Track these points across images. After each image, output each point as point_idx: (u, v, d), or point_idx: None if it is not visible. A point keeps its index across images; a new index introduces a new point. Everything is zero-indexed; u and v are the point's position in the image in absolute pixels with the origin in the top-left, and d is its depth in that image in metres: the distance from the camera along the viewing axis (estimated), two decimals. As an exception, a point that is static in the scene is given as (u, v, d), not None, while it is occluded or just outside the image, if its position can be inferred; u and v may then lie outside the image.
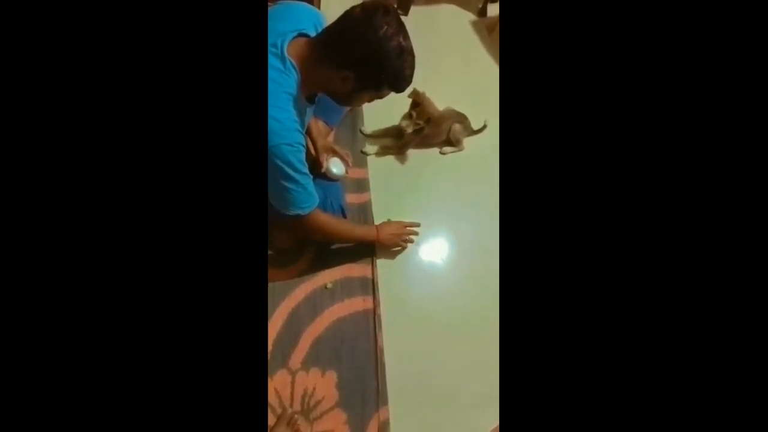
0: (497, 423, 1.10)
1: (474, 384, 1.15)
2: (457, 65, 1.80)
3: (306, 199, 0.96)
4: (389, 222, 1.26)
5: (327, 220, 1.07)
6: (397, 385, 1.12)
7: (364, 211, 1.36)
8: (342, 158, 1.30)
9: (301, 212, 0.97)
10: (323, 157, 1.27)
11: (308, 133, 1.27)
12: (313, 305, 1.19)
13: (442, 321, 1.24)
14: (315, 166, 1.29)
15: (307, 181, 0.95)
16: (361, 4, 0.85)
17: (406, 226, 1.27)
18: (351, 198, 1.35)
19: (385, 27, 0.82)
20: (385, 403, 1.09)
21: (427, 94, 1.44)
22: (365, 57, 0.84)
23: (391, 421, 1.08)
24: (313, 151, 1.30)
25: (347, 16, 0.85)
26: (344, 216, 1.23)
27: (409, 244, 1.31)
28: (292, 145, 0.87)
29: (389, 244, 1.27)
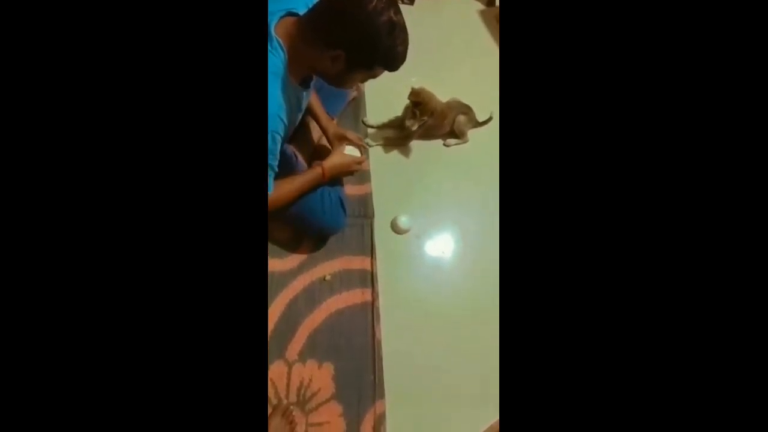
0: (494, 418, 1.10)
1: (471, 379, 1.15)
2: (464, 55, 1.77)
3: None
4: (334, 154, 1.15)
5: (271, 198, 0.98)
6: (394, 379, 1.12)
7: (364, 203, 1.34)
8: (356, 145, 1.23)
9: None
10: (336, 145, 1.23)
11: (317, 120, 1.24)
12: (312, 297, 1.18)
13: (441, 315, 1.23)
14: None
15: (269, 173, 0.92)
16: None
17: (355, 159, 1.15)
18: (351, 190, 1.34)
19: (375, 1, 0.77)
20: (382, 396, 1.09)
21: (433, 85, 1.42)
22: (354, 34, 0.79)
23: (387, 414, 1.08)
24: (316, 139, 1.28)
25: None
26: (343, 208, 1.21)
27: (409, 236, 1.27)
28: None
29: (338, 175, 1.18)
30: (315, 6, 0.85)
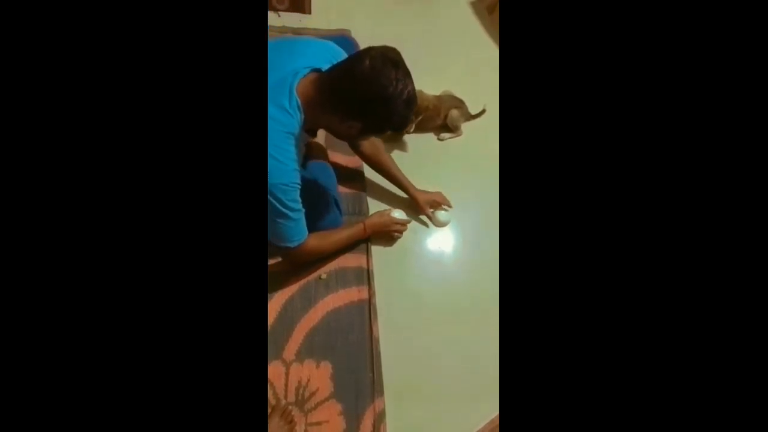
0: (493, 414, 1.10)
1: (470, 374, 1.15)
2: (456, 47, 1.75)
3: (295, 234, 0.99)
4: (375, 214, 1.23)
5: (315, 243, 1.06)
6: (393, 376, 1.11)
7: (359, 201, 1.33)
8: (443, 203, 1.33)
9: (290, 245, 1.01)
10: (428, 211, 1.32)
11: (405, 189, 1.30)
12: (308, 296, 1.17)
13: (439, 311, 1.23)
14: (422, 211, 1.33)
15: (299, 216, 0.96)
16: (369, 56, 0.82)
17: (394, 220, 1.24)
18: (345, 188, 1.33)
19: (395, 83, 0.81)
20: (381, 393, 1.09)
21: (425, 78, 1.39)
22: (374, 112, 0.85)
23: (386, 411, 1.08)
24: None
25: (356, 68, 0.82)
26: (338, 207, 1.20)
27: (400, 235, 1.28)
28: (287, 185, 0.89)
29: (379, 236, 1.26)
30: (335, 74, 0.86)
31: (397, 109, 0.84)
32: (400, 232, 1.27)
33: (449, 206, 1.35)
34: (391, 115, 0.85)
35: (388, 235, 1.26)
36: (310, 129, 0.96)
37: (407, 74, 0.84)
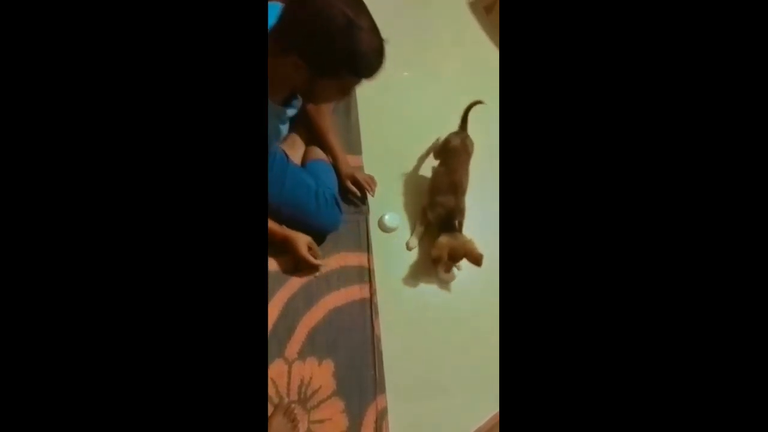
0: (494, 410, 1.11)
1: (471, 371, 1.15)
2: (454, 46, 1.76)
3: None
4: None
5: None
6: (395, 373, 1.12)
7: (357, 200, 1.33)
8: (366, 184, 1.29)
9: None
10: (347, 183, 1.28)
11: (335, 157, 1.27)
12: (309, 295, 1.18)
13: (439, 309, 1.24)
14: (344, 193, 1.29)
15: None
16: None
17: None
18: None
19: (343, 18, 0.73)
20: (383, 391, 1.10)
21: (424, 78, 1.41)
22: (308, 35, 0.76)
23: (388, 408, 1.08)
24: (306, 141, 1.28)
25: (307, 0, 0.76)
26: (338, 206, 1.20)
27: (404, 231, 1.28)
28: None
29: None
30: (281, 13, 0.81)
31: (332, 31, 0.74)
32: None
33: (371, 191, 1.29)
34: (327, 39, 0.75)
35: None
36: (283, 100, 0.92)
37: (363, 12, 0.76)
